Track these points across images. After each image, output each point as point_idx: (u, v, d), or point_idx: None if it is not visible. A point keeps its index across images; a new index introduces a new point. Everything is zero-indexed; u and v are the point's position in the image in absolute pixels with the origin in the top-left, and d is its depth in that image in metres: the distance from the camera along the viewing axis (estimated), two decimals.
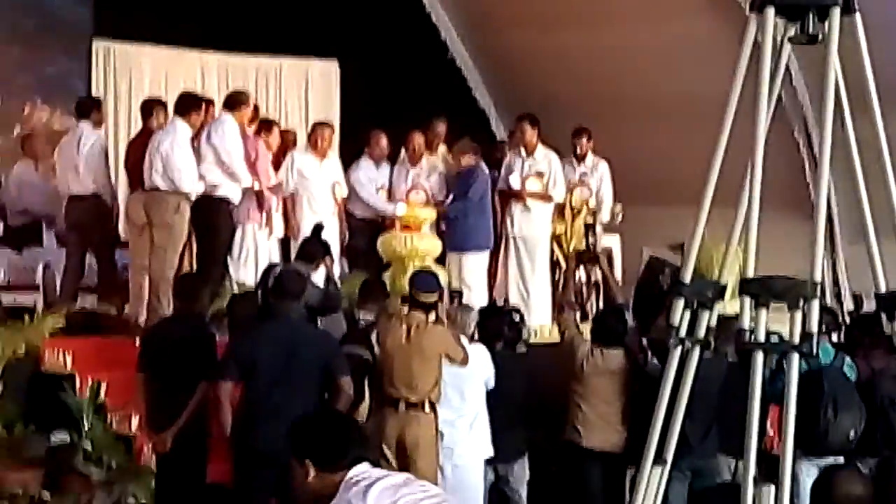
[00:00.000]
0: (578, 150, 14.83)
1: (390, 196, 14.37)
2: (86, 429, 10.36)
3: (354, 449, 5.15)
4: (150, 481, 9.65)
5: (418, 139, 14.46)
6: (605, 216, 14.68)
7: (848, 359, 10.70)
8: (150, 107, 13.03)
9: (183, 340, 9.53)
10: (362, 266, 13.74)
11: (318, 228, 12.13)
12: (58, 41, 17.65)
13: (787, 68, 3.51)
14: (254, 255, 12.94)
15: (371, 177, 14.57)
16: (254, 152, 12.89)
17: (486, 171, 14.04)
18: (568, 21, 17.19)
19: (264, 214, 13.14)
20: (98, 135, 13.16)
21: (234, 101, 12.93)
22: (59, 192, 13.84)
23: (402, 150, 14.69)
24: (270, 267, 11.34)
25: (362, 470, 5.06)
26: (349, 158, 14.84)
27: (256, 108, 13.92)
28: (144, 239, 12.20)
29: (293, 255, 12.57)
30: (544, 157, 14.26)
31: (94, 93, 16.70)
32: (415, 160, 14.44)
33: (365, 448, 5.25)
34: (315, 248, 11.80)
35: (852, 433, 9.76)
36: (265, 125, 13.98)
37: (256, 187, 12.89)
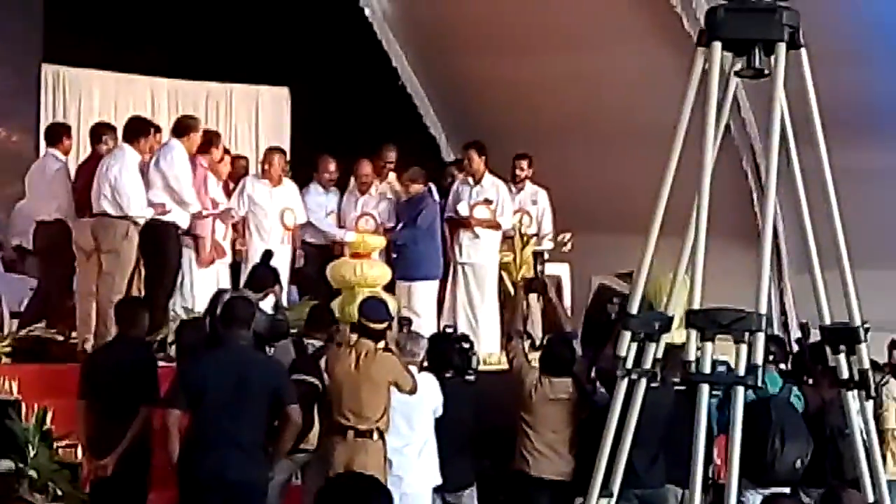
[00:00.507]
0: (518, 174, 14.90)
1: (340, 223, 14.37)
2: (31, 456, 10.30)
3: None
4: None
5: (366, 167, 14.52)
6: (547, 244, 14.72)
7: (795, 389, 10.78)
8: (100, 132, 13.03)
9: (123, 365, 9.55)
10: (312, 293, 13.70)
11: (267, 255, 12.17)
12: (6, 64, 17.61)
13: (736, 100, 3.54)
14: (199, 281, 12.97)
15: (320, 202, 14.62)
16: (200, 174, 12.92)
17: (436, 199, 14.06)
18: (519, 49, 17.25)
19: (210, 240, 13.16)
20: (64, 161, 13.13)
21: (183, 127, 12.93)
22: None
23: (352, 178, 14.65)
24: (219, 293, 11.27)
25: None
26: (300, 185, 14.78)
27: (209, 134, 13.82)
28: (92, 264, 12.17)
29: (242, 282, 12.56)
30: (492, 185, 14.33)
31: (42, 117, 16.67)
32: (364, 188, 14.47)
33: None
34: (265, 275, 11.89)
35: (799, 463, 9.84)
36: (218, 144, 13.88)
37: (204, 213, 12.89)
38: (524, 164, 14.88)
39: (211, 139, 13.72)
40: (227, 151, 14.42)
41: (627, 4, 16.13)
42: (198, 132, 13.05)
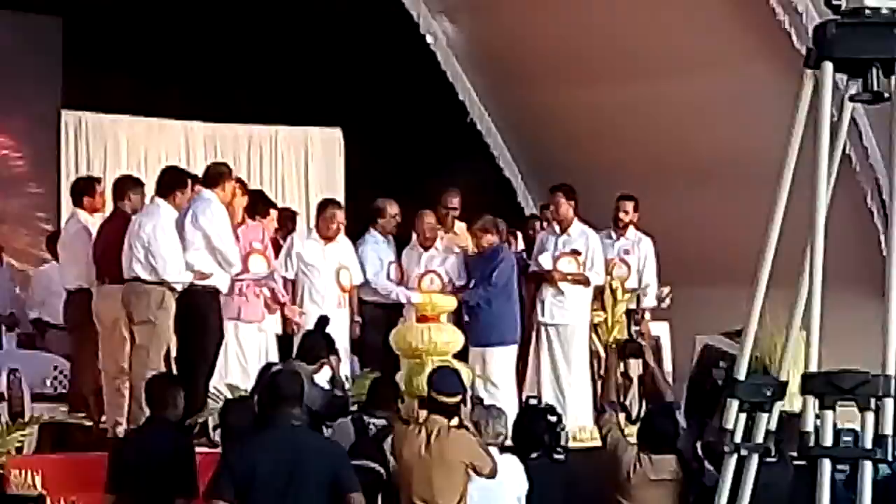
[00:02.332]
0: (622, 218, 14.79)
1: (401, 278, 14.42)
2: None
3: None
4: None
5: (430, 218, 14.46)
6: (650, 300, 14.66)
7: None
8: (123, 187, 13.01)
9: (155, 453, 9.57)
10: (374, 364, 13.69)
11: (323, 321, 12.14)
12: (21, 112, 17.81)
13: (856, 126, 3.54)
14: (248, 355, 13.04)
15: (380, 253, 14.61)
16: (246, 232, 13.09)
17: (512, 252, 14.07)
18: (605, 76, 17.29)
19: (261, 308, 13.27)
20: (85, 222, 13.20)
21: (216, 176, 12.84)
22: (12, 289, 14.16)
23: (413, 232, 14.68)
24: (268, 367, 11.38)
25: None
26: (353, 237, 14.78)
27: (241, 183, 13.84)
28: (117, 338, 12.24)
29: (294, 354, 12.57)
30: (581, 234, 14.30)
31: (63, 171, 16.81)
32: (428, 243, 14.41)
33: None
34: (317, 343, 11.84)
35: None
36: (262, 208, 13.95)
37: (244, 277, 13.02)
38: (629, 206, 14.79)
39: (265, 209, 13.93)
40: (273, 204, 14.54)
41: (729, 22, 16.13)
42: (231, 181, 12.99)
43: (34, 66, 17.76)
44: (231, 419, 10.58)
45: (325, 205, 14.71)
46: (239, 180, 13.91)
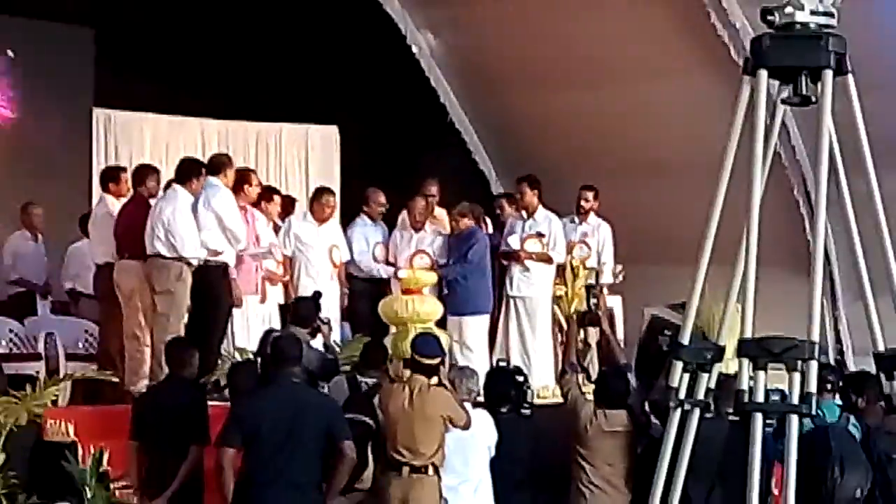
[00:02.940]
0: (583, 206, 14.90)
1: (389, 256, 14.48)
2: (88, 498, 10.36)
3: None
4: None
5: (420, 204, 14.45)
6: (606, 277, 14.69)
7: (853, 417, 10.71)
8: (142, 174, 13.16)
9: (173, 406, 9.64)
10: (364, 330, 13.71)
11: (316, 295, 12.16)
12: (57, 108, 17.75)
13: (785, 127, 3.54)
14: (252, 321, 13.12)
15: (368, 235, 14.69)
16: (248, 215, 13.13)
17: (485, 234, 14.09)
18: (566, 81, 17.28)
19: (257, 283, 13.35)
20: (114, 205, 13.24)
21: (219, 165, 12.99)
22: (47, 263, 14.55)
23: (404, 214, 14.67)
24: (269, 333, 11.44)
25: None
26: (346, 220, 15.01)
27: (241, 172, 13.90)
28: (134, 306, 12.39)
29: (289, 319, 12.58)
30: (545, 219, 14.31)
31: (94, 161, 16.79)
32: (418, 226, 14.41)
33: None
34: (308, 308, 11.86)
35: (859, 492, 9.78)
36: (266, 194, 14.08)
37: (248, 252, 13.13)
38: (590, 195, 14.91)
39: (248, 177, 13.82)
40: (276, 191, 14.65)
41: (676, 36, 16.13)
42: (232, 168, 13.13)
43: (69, 70, 17.72)
44: (237, 379, 10.59)
45: (321, 191, 14.76)
46: (253, 172, 14.23)
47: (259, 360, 10.94)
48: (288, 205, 14.72)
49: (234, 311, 13.02)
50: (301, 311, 11.95)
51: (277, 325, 12.61)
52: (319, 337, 11.59)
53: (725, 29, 15.73)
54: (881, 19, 12.68)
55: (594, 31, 14.28)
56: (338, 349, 12.61)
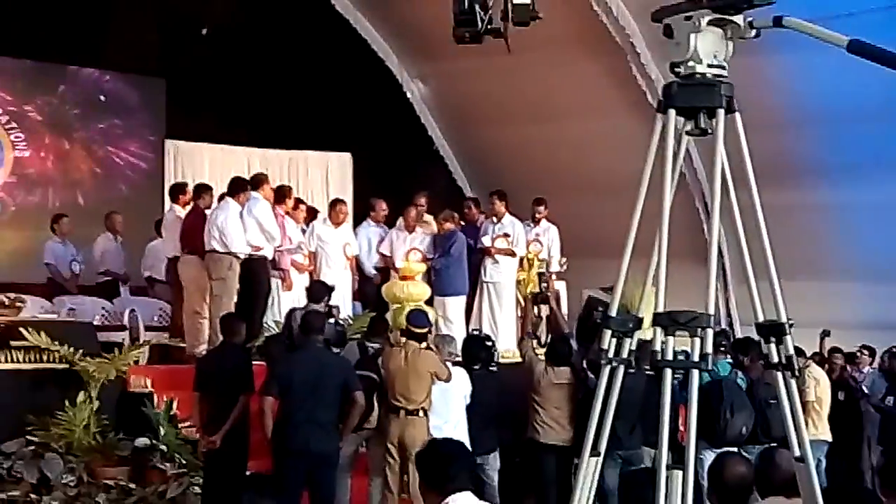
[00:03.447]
0: (536, 216, 14.90)
1: (391, 251, 14.52)
2: (161, 435, 10.40)
3: (460, 477, 4.96)
4: None
5: (412, 212, 14.61)
6: (554, 267, 14.71)
7: (740, 372, 10.78)
8: (199, 190, 13.26)
9: (226, 365, 9.72)
10: (371, 307, 13.77)
11: (330, 287, 12.25)
12: (140, 141, 17.76)
13: (689, 153, 3.55)
14: (285, 301, 13.23)
15: (372, 234, 14.82)
16: (280, 220, 13.23)
17: (463, 234, 14.14)
18: (523, 119, 17.30)
19: (287, 271, 13.54)
20: (181, 213, 13.26)
21: (258, 181, 13.16)
22: (129, 257, 14.92)
23: (401, 219, 14.78)
24: (291, 311, 11.77)
25: (462, 499, 4.87)
26: (357, 224, 15.27)
27: (283, 189, 14.24)
28: (193, 290, 12.50)
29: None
30: (510, 223, 14.44)
31: (165, 179, 16.83)
32: (411, 228, 14.51)
33: (469, 478, 5.00)
34: (319, 289, 12.00)
35: (744, 429, 9.85)
36: (295, 204, 14.23)
37: (282, 248, 13.27)
38: (541, 208, 14.94)
39: (286, 192, 14.06)
40: (302, 202, 14.74)
41: (607, 85, 16.16)
42: (269, 184, 13.33)
43: (148, 111, 17.70)
44: (269, 346, 10.76)
45: (336, 202, 14.87)
46: (289, 188, 14.52)
47: (286, 332, 11.29)
48: (312, 212, 14.74)
49: (274, 293, 13.22)
50: (314, 291, 12.11)
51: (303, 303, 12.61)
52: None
53: (643, 79, 15.76)
54: (761, 71, 12.71)
55: (545, 81, 14.34)
56: (350, 322, 12.69)
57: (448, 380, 9.86)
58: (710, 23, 3.37)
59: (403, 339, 9.92)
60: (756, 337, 3.60)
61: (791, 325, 3.51)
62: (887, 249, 15.53)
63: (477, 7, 3.44)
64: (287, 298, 13.13)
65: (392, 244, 14.41)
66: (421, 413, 9.62)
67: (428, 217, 15.00)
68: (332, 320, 11.14)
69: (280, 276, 13.38)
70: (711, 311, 3.29)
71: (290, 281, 13.42)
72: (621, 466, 9.19)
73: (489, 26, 3.43)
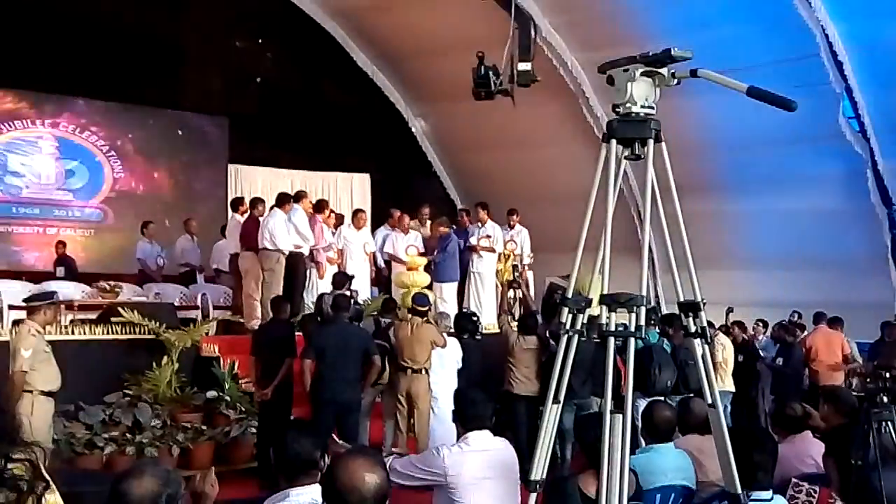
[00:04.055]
0: (510, 222, 14.82)
1: (394, 250, 14.47)
2: (226, 388, 10.40)
3: (480, 418, 5.06)
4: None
5: (405, 219, 14.65)
6: (525, 260, 14.73)
7: (665, 340, 10.80)
8: (255, 202, 13.19)
9: (275, 336, 9.66)
10: (385, 291, 13.82)
11: (350, 277, 12.30)
12: (208, 165, 17.78)
13: (626, 174, 3.55)
14: (319, 286, 13.18)
15: (385, 235, 14.72)
16: (315, 226, 13.16)
17: (455, 235, 14.18)
18: (499, 147, 17.40)
19: (320, 264, 13.49)
20: (240, 220, 13.23)
21: (299, 196, 13.14)
22: (201, 254, 15.03)
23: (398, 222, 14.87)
24: (321, 295, 11.78)
25: (477, 436, 4.96)
26: (375, 228, 15.15)
27: (322, 202, 14.32)
28: (250, 278, 12.40)
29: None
30: (492, 227, 14.47)
31: (228, 194, 16.86)
32: (406, 231, 14.49)
33: (486, 421, 5.14)
34: (341, 278, 12.20)
35: (669, 382, 9.87)
36: (327, 208, 14.29)
37: (316, 246, 13.25)
38: (515, 217, 14.86)
39: (322, 204, 14.11)
40: (332, 211, 14.75)
41: (563, 120, 16.18)
42: (308, 198, 13.35)
43: (215, 142, 17.74)
44: (307, 322, 10.84)
45: (358, 211, 14.99)
46: (326, 202, 14.66)
47: (316, 310, 11.34)
48: (339, 219, 14.76)
49: (311, 281, 13.22)
50: (337, 279, 12.19)
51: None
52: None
53: (591, 117, 15.83)
54: (681, 111, 12.75)
55: (516, 119, 14.31)
56: (368, 303, 12.71)
57: (444, 346, 9.85)
58: (642, 74, 3.37)
59: (409, 315, 9.90)
60: (678, 312, 3.59)
61: (704, 304, 3.50)
62: (775, 246, 15.62)
63: (491, 74, 3.47)
64: (321, 285, 13.09)
65: (393, 243, 14.37)
66: (423, 371, 9.60)
67: (428, 223, 15.19)
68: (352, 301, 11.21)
69: (316, 267, 13.36)
70: (644, 293, 3.29)
71: (324, 271, 13.38)
72: (575, 411, 9.18)
73: (500, 87, 3.46)
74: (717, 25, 12.90)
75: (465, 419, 5.12)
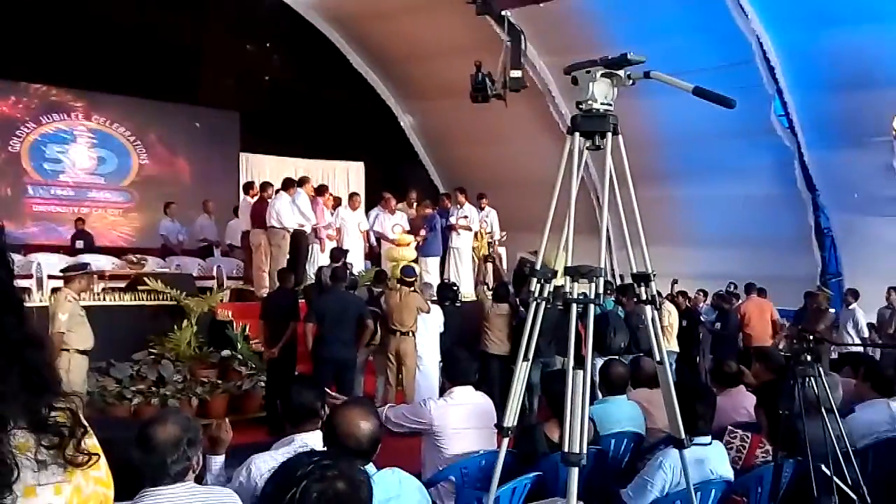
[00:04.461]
0: (481, 204, 14.75)
1: (382, 228, 14.35)
2: (239, 348, 10.38)
3: (466, 373, 5.10)
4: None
5: (392, 201, 14.45)
6: (497, 237, 14.72)
7: (620, 307, 10.82)
8: (264, 186, 13.15)
9: (281, 303, 9.62)
10: (377, 264, 13.79)
11: (345, 252, 12.23)
12: (220, 153, 17.64)
13: (587, 163, 3.54)
14: (320, 259, 13.08)
15: (376, 215, 14.50)
16: (316, 207, 13.02)
17: (438, 216, 14.11)
18: (478, 141, 17.30)
19: (322, 241, 13.39)
20: (250, 201, 13.15)
21: (302, 181, 12.99)
22: (217, 231, 14.88)
23: (383, 203, 14.67)
24: (321, 267, 11.75)
25: (461, 391, 4.98)
26: (368, 209, 14.86)
27: (322, 187, 14.13)
28: (259, 253, 12.34)
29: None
30: (469, 209, 14.35)
31: (240, 179, 16.77)
32: (392, 211, 14.31)
33: (470, 376, 5.15)
34: (337, 253, 12.06)
35: (623, 344, 9.89)
36: (326, 192, 14.08)
37: (317, 225, 13.15)
38: (484, 200, 14.79)
39: (323, 188, 13.98)
40: (331, 195, 14.54)
41: (531, 116, 16.10)
42: (310, 183, 13.18)
43: (227, 133, 17.57)
44: (309, 290, 10.78)
45: (353, 194, 14.80)
46: (326, 186, 14.45)
47: (317, 281, 11.24)
48: (337, 201, 14.67)
49: (313, 254, 13.14)
50: (334, 253, 12.08)
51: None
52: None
53: (556, 113, 15.78)
54: (636, 107, 12.74)
55: (490, 116, 14.23)
56: (363, 274, 12.67)
57: (428, 312, 9.83)
58: (601, 75, 3.35)
59: (398, 285, 9.87)
60: (631, 283, 3.59)
61: (654, 275, 3.51)
62: (715, 226, 15.68)
63: (487, 80, 3.44)
64: (322, 259, 13.05)
65: (381, 223, 14.28)
66: (410, 334, 9.60)
67: (415, 205, 15.06)
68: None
69: (319, 243, 13.30)
70: (602, 266, 3.29)
71: (325, 247, 13.31)
72: (542, 368, 9.23)
73: (494, 92, 3.44)
74: (668, 35, 12.88)
75: (452, 374, 5.16)
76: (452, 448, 4.83)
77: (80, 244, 14.05)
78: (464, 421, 4.91)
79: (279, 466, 1.89)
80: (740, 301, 13.51)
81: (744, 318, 12.99)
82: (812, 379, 3.98)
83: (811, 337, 4.07)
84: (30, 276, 10.44)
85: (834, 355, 11.31)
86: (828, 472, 3.80)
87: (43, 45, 14.56)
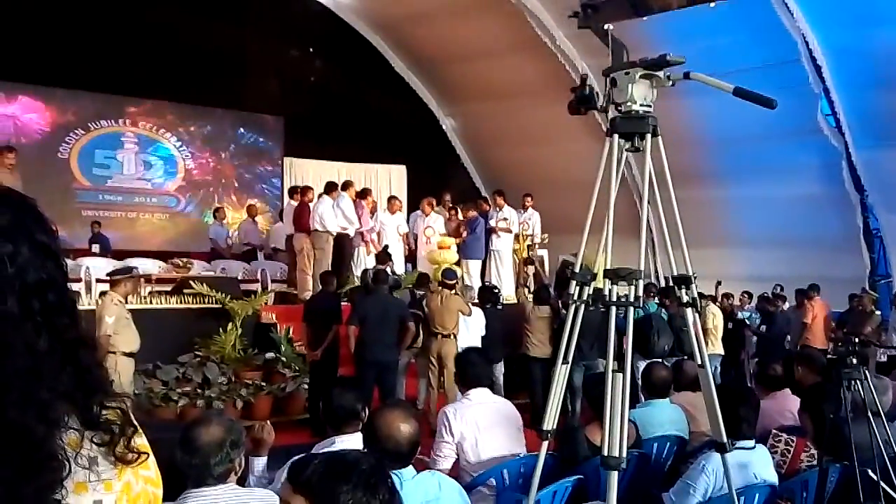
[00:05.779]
0: (524, 203, 14.68)
1: (416, 229, 14.49)
2: (282, 350, 10.45)
3: (479, 378, 4.99)
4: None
5: (426, 204, 14.58)
6: (538, 239, 14.66)
7: (663, 309, 10.73)
8: (306, 189, 13.26)
9: (324, 305, 9.66)
10: (415, 266, 13.84)
11: (387, 250, 12.32)
12: (267, 158, 17.81)
13: (629, 163, 3.52)
14: (365, 262, 13.13)
15: (415, 218, 14.73)
16: (360, 211, 13.05)
17: (481, 219, 14.10)
18: (521, 143, 17.25)
19: (368, 243, 13.42)
20: (294, 205, 13.24)
21: (346, 185, 13.10)
22: (259, 235, 15.00)
23: (422, 204, 14.79)
24: (365, 270, 11.76)
25: (477, 392, 4.90)
26: (410, 212, 15.02)
27: (365, 190, 14.04)
28: (302, 256, 12.41)
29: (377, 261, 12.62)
30: (509, 211, 14.33)
31: (284, 183, 16.91)
32: (427, 213, 14.47)
33: (484, 381, 5.03)
34: (384, 255, 12.25)
35: (666, 347, 9.81)
36: (369, 195, 14.04)
37: (360, 229, 13.14)
38: (528, 199, 14.71)
39: (366, 192, 13.92)
40: (371, 196, 14.61)
41: (571, 118, 15.94)
42: (353, 187, 13.20)
43: (273, 137, 17.78)
44: (353, 293, 10.78)
45: (393, 197, 14.95)
46: (369, 190, 14.38)
47: (362, 283, 11.14)
48: (376, 204, 14.75)
49: (358, 257, 13.20)
50: (380, 256, 12.23)
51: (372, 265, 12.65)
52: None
53: (599, 115, 15.61)
54: (676, 109, 12.63)
55: (531, 118, 14.24)
56: (404, 277, 12.71)
57: (469, 314, 9.85)
58: (641, 76, 3.34)
59: (440, 288, 9.89)
60: (672, 285, 3.56)
61: (695, 277, 3.48)
62: (760, 227, 15.46)
63: (595, 94, 3.45)
64: (369, 261, 13.08)
65: (416, 224, 14.35)
66: (452, 336, 9.59)
67: (439, 207, 15.10)
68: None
69: (365, 246, 13.35)
70: (642, 268, 3.26)
71: (369, 250, 13.35)
72: (584, 371, 9.17)
73: (602, 106, 3.44)
74: (713, 34, 12.75)
75: (465, 379, 5.05)
76: (479, 449, 4.79)
77: (96, 248, 14.01)
78: (483, 420, 4.85)
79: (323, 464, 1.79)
80: (807, 302, 13.17)
81: (814, 320, 12.81)
82: (858, 382, 3.90)
83: (857, 339, 4.00)
84: (79, 280, 10.62)
85: (883, 358, 11.08)
86: (874, 476, 3.72)
87: (91, 54, 14.85)
